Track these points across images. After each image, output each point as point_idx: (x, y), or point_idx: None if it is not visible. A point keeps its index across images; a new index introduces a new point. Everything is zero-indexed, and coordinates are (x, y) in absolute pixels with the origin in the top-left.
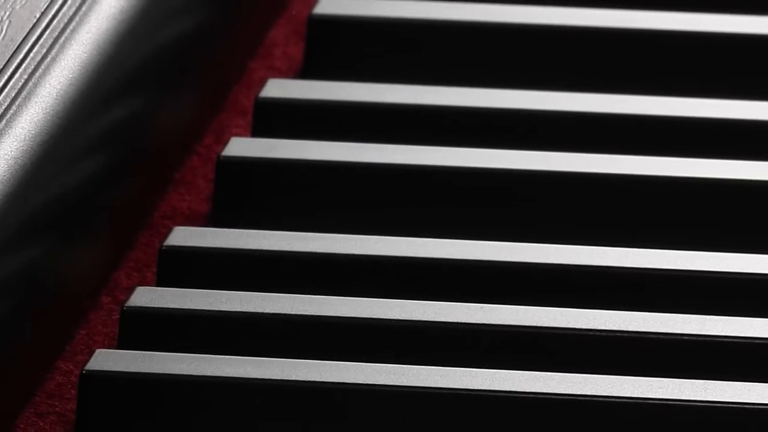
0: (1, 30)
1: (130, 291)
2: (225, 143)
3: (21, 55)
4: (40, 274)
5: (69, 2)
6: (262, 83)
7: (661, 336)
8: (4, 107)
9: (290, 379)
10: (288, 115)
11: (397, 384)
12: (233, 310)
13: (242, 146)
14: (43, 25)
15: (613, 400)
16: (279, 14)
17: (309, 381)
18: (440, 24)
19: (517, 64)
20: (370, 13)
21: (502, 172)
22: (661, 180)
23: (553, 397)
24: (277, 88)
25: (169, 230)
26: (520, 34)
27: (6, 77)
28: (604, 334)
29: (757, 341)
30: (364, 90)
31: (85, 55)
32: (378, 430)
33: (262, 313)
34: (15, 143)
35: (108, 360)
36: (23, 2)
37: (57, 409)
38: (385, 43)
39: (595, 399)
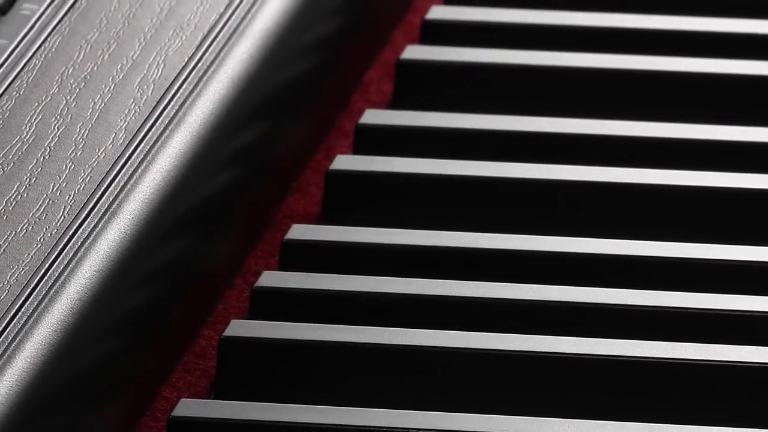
0: (158, 70)
1: (258, 275)
2: (332, 159)
3: (173, 91)
4: (190, 261)
5: (211, 49)
6: (360, 112)
7: (686, 310)
8: (160, 131)
9: (395, 343)
10: (381, 137)
11: (491, 348)
12: (341, 288)
13: (346, 162)
14: (191, 67)
15: (660, 360)
16: (374, 59)
17: (412, 345)
18: (502, 66)
19: (566, 98)
20: (445, 58)
21: (552, 183)
22: (678, 189)
23: (623, 359)
24: (373, 116)
25: (288, 227)
26: (571, 74)
27: (162, 107)
28: (639, 309)
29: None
30: (442, 118)
31: (224, 90)
32: (474, 390)
33: (365, 292)
34: (169, 159)
35: (240, 328)
36: (175, 49)
37: (201, 366)
38: (458, 81)
39: (647, 360)
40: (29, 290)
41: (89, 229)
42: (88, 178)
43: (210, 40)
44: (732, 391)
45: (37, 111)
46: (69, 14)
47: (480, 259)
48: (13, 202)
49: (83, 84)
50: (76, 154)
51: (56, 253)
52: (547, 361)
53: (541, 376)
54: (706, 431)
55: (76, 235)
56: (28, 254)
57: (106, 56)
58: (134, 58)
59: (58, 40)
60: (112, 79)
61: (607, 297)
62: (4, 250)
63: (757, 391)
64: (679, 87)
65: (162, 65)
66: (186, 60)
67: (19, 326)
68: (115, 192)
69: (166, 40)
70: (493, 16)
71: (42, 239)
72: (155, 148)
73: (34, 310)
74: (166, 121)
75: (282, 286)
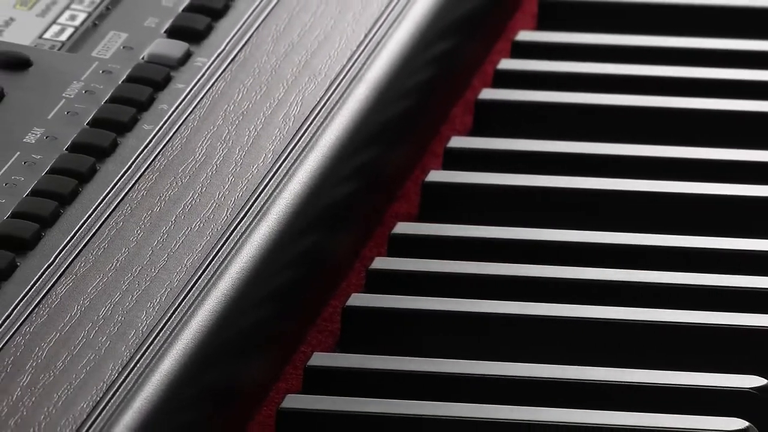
0: (297, 108)
1: (371, 260)
2: (426, 173)
3: (308, 123)
4: (321, 250)
5: (336, 91)
6: (448, 139)
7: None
8: (298, 153)
9: (487, 312)
10: (464, 157)
11: (564, 315)
12: (435, 270)
13: (437, 176)
14: (321, 105)
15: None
16: (458, 99)
17: (501, 313)
18: (558, 105)
19: (610, 129)
20: (511, 98)
21: (607, 192)
22: (692, 196)
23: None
24: (458, 142)
25: (394, 224)
26: (610, 111)
27: (300, 135)
28: (658, 286)
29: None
30: (511, 143)
31: (346, 122)
32: (555, 347)
33: (455, 272)
34: (305, 174)
35: (359, 300)
36: (309, 91)
37: (329, 328)
38: (521, 116)
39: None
40: (201, 271)
41: (245, 226)
42: (245, 188)
43: (336, 84)
44: None
45: (207, 138)
46: (231, 65)
47: (544, 248)
48: (189, 206)
49: (241, 118)
50: (235, 169)
51: (221, 244)
52: (605, 325)
53: (597, 336)
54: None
55: (236, 230)
56: (200, 244)
57: (258, 97)
58: (279, 98)
59: (222, 85)
60: (262, 114)
61: (642, 277)
62: (182, 241)
63: None
64: (709, 122)
65: (300, 104)
66: (317, 100)
67: (193, 299)
68: (265, 198)
69: (303, 84)
70: (552, 67)
71: (210, 233)
72: (295, 166)
73: (204, 286)
74: (303, 146)
75: (390, 268)
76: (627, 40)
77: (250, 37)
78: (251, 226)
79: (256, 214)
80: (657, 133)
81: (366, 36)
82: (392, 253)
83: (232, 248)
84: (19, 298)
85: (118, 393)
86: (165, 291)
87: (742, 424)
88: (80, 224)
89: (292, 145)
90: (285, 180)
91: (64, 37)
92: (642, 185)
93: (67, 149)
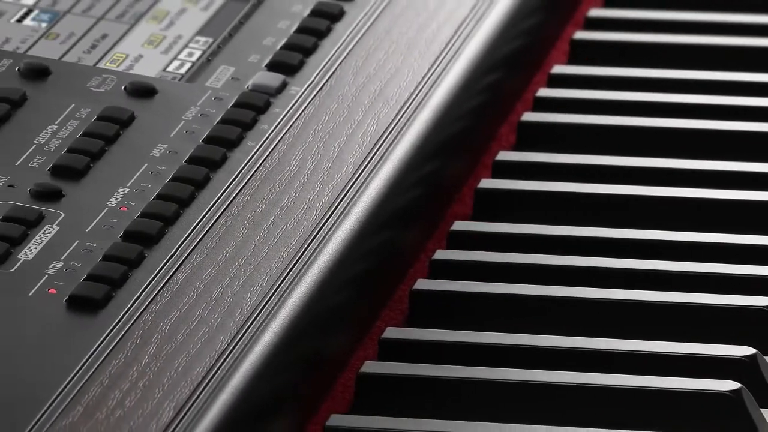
0: (373, 127)
1: (433, 252)
2: (479, 181)
3: (382, 140)
4: (393, 244)
5: (405, 114)
6: (497, 153)
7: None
8: (374, 165)
9: (539, 294)
10: (511, 168)
11: (603, 297)
12: (492, 260)
13: (488, 183)
14: (393, 125)
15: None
16: (505, 120)
17: (549, 295)
18: (592, 126)
19: (636, 145)
20: (550, 120)
21: (635, 197)
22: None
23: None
24: (505, 155)
25: (452, 223)
26: (638, 132)
27: (375, 150)
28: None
29: None
30: (549, 156)
31: (413, 140)
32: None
33: (513, 263)
34: (380, 181)
35: (424, 284)
36: (383, 114)
37: (399, 307)
38: (558, 136)
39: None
40: (294, 261)
41: (330, 225)
42: (330, 193)
43: (404, 109)
44: None
45: (299, 152)
46: (319, 93)
47: (576, 242)
48: (285, 208)
49: (327, 136)
50: (323, 178)
51: (311, 239)
52: (640, 306)
53: (631, 316)
54: None
55: (323, 228)
56: (294, 239)
57: (341, 119)
58: (358, 120)
59: (312, 109)
60: (344, 133)
61: (660, 266)
62: (279, 237)
63: None
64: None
65: (375, 124)
66: (390, 121)
67: (288, 283)
68: (347, 202)
69: (378, 109)
70: (583, 95)
71: (302, 230)
72: (371, 175)
73: (297, 273)
74: (378, 159)
75: (449, 258)
76: (654, 74)
77: (335, 70)
78: (335, 225)
79: (339, 215)
80: (678, 152)
81: (429, 69)
82: (451, 246)
83: (320, 242)
84: (146, 283)
85: (227, 360)
86: (265, 277)
87: (750, 350)
88: (196, 223)
89: (369, 158)
90: (363, 187)
91: (183, 70)
92: (666, 191)
93: (185, 161)
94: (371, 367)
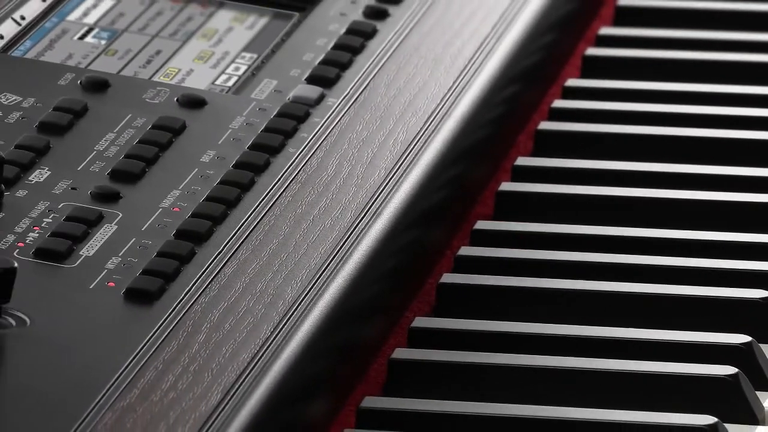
0: (403, 135)
1: (458, 249)
2: (499, 184)
3: (411, 147)
4: (422, 241)
5: (432, 123)
6: (515, 159)
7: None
8: (403, 170)
9: (560, 287)
10: (528, 173)
11: (620, 290)
12: (512, 256)
13: (508, 186)
14: (421, 134)
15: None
16: (523, 129)
17: (572, 289)
18: (604, 134)
19: (654, 151)
20: (568, 128)
21: (644, 199)
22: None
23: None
24: (523, 161)
25: (475, 222)
26: (658, 140)
27: (405, 156)
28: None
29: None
30: (563, 161)
31: (439, 146)
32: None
33: (532, 258)
34: (409, 184)
35: (449, 278)
36: (412, 123)
37: (427, 299)
38: (573, 141)
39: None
40: (332, 257)
41: (364, 224)
42: (364, 195)
43: (432, 119)
44: None
45: (336, 158)
46: (354, 104)
47: (588, 240)
48: (323, 209)
49: (361, 143)
50: (357, 181)
51: (347, 237)
52: (646, 298)
53: (625, 305)
54: None
55: (357, 227)
56: (331, 237)
57: (374, 127)
58: (389, 128)
59: (347, 119)
60: (377, 140)
61: (675, 261)
62: (317, 235)
63: None
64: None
65: (405, 132)
66: (418, 129)
67: (326, 277)
68: (379, 203)
69: (407, 118)
70: (594, 106)
71: (338, 229)
72: (401, 179)
73: (334, 268)
74: (407, 164)
75: (474, 255)
76: (659, 86)
77: (368, 83)
78: (368, 224)
79: (372, 215)
80: (682, 158)
81: (454, 83)
82: (474, 243)
83: (354, 240)
84: (197, 277)
85: (270, 347)
86: (305, 271)
87: (746, 338)
88: (242, 222)
89: (399, 163)
90: (394, 189)
91: (230, 83)
92: (671, 193)
93: (232, 166)
94: (402, 353)
